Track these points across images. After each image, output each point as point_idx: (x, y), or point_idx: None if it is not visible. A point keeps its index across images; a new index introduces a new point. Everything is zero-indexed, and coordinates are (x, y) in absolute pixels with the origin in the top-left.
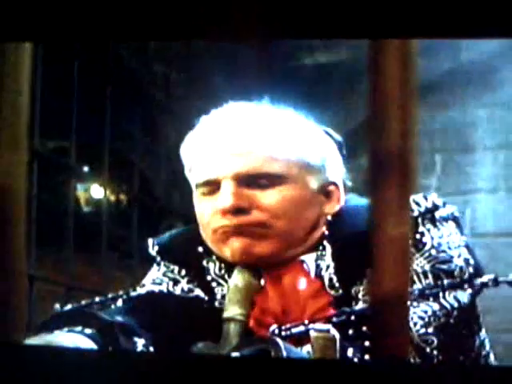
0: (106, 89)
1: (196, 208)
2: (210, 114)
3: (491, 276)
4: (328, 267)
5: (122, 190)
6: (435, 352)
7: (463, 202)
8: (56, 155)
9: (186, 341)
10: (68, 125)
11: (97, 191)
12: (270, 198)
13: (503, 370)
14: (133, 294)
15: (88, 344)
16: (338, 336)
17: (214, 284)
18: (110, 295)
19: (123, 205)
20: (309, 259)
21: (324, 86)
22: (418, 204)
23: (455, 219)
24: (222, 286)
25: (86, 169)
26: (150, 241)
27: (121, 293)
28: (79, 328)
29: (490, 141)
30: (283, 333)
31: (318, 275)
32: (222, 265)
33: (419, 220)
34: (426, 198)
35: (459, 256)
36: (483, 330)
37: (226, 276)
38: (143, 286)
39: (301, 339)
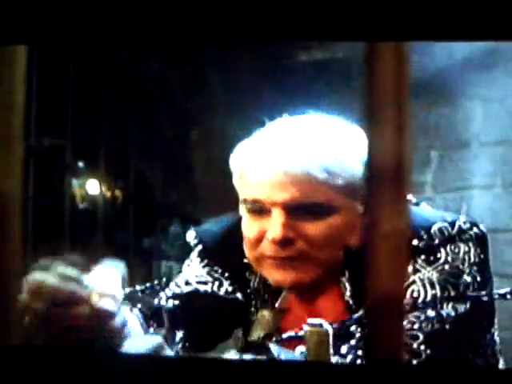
0: (101, 86)
1: (243, 222)
2: (265, 127)
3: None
4: (345, 290)
5: (117, 186)
6: (422, 347)
7: (459, 198)
8: (52, 152)
9: (219, 340)
10: (64, 122)
11: (93, 188)
12: (317, 229)
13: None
14: (178, 290)
15: (134, 322)
16: (331, 331)
17: (252, 296)
18: (155, 283)
19: (119, 202)
20: (346, 280)
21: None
22: (441, 233)
23: (480, 238)
24: (257, 299)
25: (81, 165)
26: (192, 234)
27: (167, 283)
28: (128, 306)
29: (485, 137)
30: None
31: (343, 297)
32: (263, 279)
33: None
34: (452, 225)
35: (469, 273)
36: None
37: (262, 292)
38: (188, 283)
39: (296, 342)
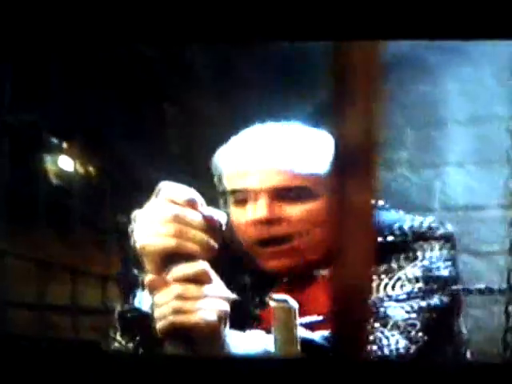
0: (76, 61)
1: (231, 213)
2: (248, 130)
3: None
4: None
5: (93, 163)
6: (420, 334)
7: (434, 175)
8: (27, 128)
9: None
10: (39, 98)
11: (68, 164)
12: (300, 211)
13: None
14: None
15: None
16: (296, 306)
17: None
18: None
19: (95, 178)
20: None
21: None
22: (412, 230)
23: (451, 237)
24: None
25: (56, 142)
26: None
27: None
28: None
29: (460, 115)
30: None
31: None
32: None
33: (414, 241)
34: (421, 223)
35: (445, 268)
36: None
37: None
38: None
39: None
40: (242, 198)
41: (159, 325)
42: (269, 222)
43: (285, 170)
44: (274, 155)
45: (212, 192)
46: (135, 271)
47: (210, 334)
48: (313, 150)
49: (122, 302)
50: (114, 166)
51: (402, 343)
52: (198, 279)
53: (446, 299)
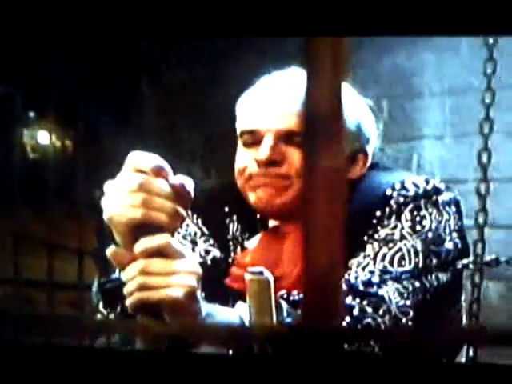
0: (52, 34)
1: (237, 155)
2: (269, 75)
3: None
4: None
5: (68, 136)
6: (410, 323)
7: (410, 148)
8: (1, 102)
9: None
10: (14, 71)
11: (43, 138)
12: (298, 156)
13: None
14: None
15: None
16: (271, 278)
17: (230, 243)
18: None
19: (70, 152)
20: None
21: None
22: (416, 186)
23: (457, 204)
24: (236, 246)
25: (32, 115)
26: None
27: None
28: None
29: (437, 86)
30: (291, 298)
31: None
32: (240, 226)
33: (422, 203)
34: (427, 182)
35: (450, 240)
36: (461, 301)
37: (240, 239)
38: None
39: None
40: (249, 139)
41: (128, 301)
42: (271, 162)
43: (292, 114)
44: (283, 98)
45: (185, 164)
46: (111, 245)
47: (177, 309)
48: None
49: (98, 276)
50: (89, 140)
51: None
52: (164, 253)
53: (447, 278)
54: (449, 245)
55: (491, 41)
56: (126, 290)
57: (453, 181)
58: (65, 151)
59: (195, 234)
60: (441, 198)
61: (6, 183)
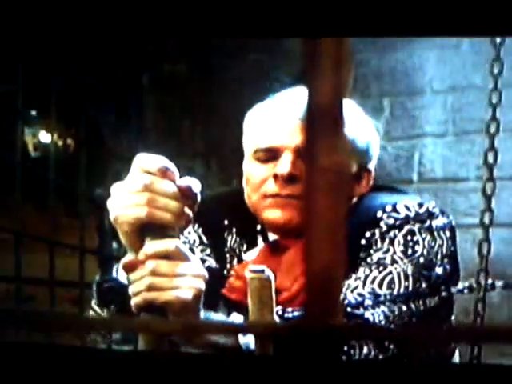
0: (53, 31)
1: (247, 171)
2: (281, 92)
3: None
4: None
5: (69, 134)
6: (391, 345)
7: (411, 146)
8: (3, 99)
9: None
10: (15, 68)
11: (44, 136)
12: None
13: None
14: None
15: None
16: (272, 277)
17: (227, 255)
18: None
19: (71, 150)
20: None
21: None
22: (408, 209)
23: (452, 229)
24: (233, 258)
25: (33, 113)
26: None
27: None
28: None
29: (438, 84)
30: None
31: None
32: (238, 239)
33: (416, 228)
34: (420, 205)
35: (441, 265)
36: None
37: (237, 251)
38: None
39: None
40: (265, 156)
41: (134, 300)
42: (291, 178)
43: None
44: (301, 114)
45: (190, 163)
46: (113, 244)
47: (183, 311)
48: (349, 112)
49: (100, 274)
50: (91, 138)
51: (372, 353)
52: (172, 256)
53: (434, 303)
54: (439, 270)
55: (498, 40)
56: (132, 290)
57: (454, 179)
58: (65, 149)
59: (194, 241)
60: (435, 223)
61: (7, 181)
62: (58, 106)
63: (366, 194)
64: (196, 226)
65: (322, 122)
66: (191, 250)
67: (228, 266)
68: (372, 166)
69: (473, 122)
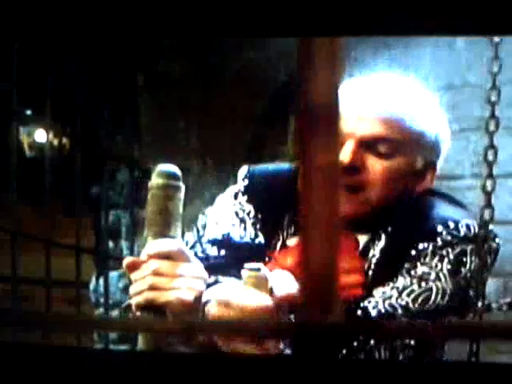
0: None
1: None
2: (351, 79)
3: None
4: (374, 256)
5: (65, 134)
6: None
7: None
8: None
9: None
10: (10, 67)
11: (40, 135)
12: (382, 165)
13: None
14: (212, 234)
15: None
16: (268, 276)
17: (278, 235)
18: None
19: (66, 149)
20: (362, 238)
21: None
22: (468, 229)
23: (496, 252)
24: (279, 239)
25: (28, 112)
26: (245, 169)
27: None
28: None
29: (433, 82)
30: None
31: (364, 256)
32: (289, 222)
33: (468, 249)
34: (480, 227)
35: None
36: None
37: (286, 234)
38: (216, 223)
39: None
40: None
41: (135, 299)
42: (351, 168)
43: (377, 121)
44: (368, 104)
45: (186, 163)
46: (110, 243)
47: (183, 311)
48: (415, 107)
49: (96, 274)
50: (85, 137)
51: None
52: (174, 257)
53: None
54: (472, 291)
55: (497, 39)
56: (133, 289)
57: (449, 177)
58: (60, 149)
59: (249, 212)
60: (486, 246)
61: (3, 181)
62: (53, 105)
63: (423, 194)
64: (244, 207)
65: (317, 120)
66: (243, 220)
67: (274, 245)
68: (439, 161)
69: (468, 120)
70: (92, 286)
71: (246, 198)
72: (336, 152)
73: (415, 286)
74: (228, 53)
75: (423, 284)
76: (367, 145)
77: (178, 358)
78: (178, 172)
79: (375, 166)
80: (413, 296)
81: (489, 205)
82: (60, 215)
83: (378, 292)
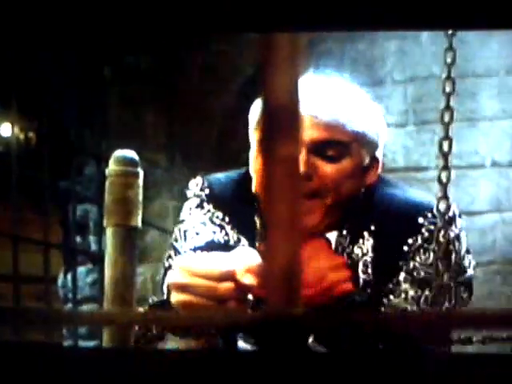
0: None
1: (255, 164)
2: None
3: None
4: (366, 253)
5: (31, 128)
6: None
7: None
8: None
9: None
10: None
11: (6, 130)
12: (332, 169)
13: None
14: (196, 242)
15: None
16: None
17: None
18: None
19: (33, 144)
20: (331, 236)
21: None
22: (440, 213)
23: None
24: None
25: None
26: (200, 180)
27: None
28: None
29: (398, 74)
30: None
31: (340, 252)
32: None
33: (452, 234)
34: (448, 207)
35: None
36: None
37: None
38: (197, 233)
39: None
40: None
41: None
42: (305, 177)
43: (325, 124)
44: (313, 107)
45: (154, 157)
46: (77, 238)
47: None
48: (356, 107)
49: (64, 269)
50: (53, 131)
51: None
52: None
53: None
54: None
55: (450, 31)
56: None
57: (415, 168)
58: (27, 143)
59: (223, 218)
60: (459, 225)
61: None
62: (19, 99)
63: (375, 185)
64: (216, 214)
65: (278, 116)
66: (222, 228)
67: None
68: (380, 153)
69: (433, 112)
70: (60, 281)
71: (212, 205)
72: (296, 147)
73: (426, 292)
74: (197, 45)
75: (426, 287)
76: (316, 150)
77: (150, 354)
78: (136, 157)
79: (327, 170)
80: (425, 300)
81: (445, 196)
82: (27, 211)
83: (386, 293)
